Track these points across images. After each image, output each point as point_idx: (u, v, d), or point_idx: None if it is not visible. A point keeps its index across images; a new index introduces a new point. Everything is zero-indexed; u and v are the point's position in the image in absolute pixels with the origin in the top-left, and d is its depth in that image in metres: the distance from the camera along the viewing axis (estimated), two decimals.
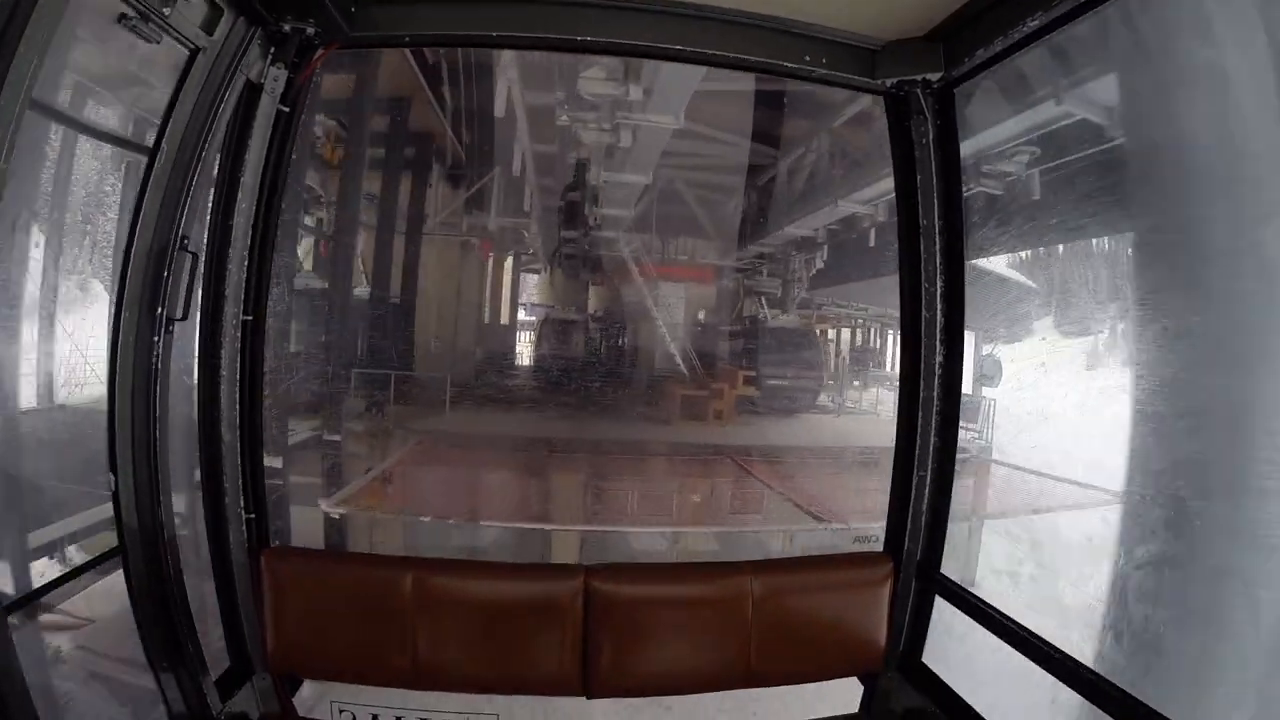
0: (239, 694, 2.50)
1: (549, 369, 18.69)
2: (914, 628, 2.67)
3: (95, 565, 2.27)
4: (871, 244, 16.30)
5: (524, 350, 20.95)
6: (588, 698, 2.50)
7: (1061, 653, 2.20)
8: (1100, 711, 2.00)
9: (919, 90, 2.51)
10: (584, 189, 17.18)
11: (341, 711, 2.70)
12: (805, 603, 2.59)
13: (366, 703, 2.73)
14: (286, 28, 2.32)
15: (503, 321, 21.52)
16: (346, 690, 2.69)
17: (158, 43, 2.05)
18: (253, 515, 2.54)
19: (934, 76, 2.49)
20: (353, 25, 2.37)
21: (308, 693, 2.66)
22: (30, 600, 2.20)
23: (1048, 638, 2.28)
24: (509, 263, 21.24)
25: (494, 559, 6.94)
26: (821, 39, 2.49)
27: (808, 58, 2.49)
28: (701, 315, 20.92)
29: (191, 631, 2.32)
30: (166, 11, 1.98)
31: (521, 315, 21.95)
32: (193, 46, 2.13)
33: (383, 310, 15.46)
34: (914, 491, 2.64)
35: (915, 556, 2.66)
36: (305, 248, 13.77)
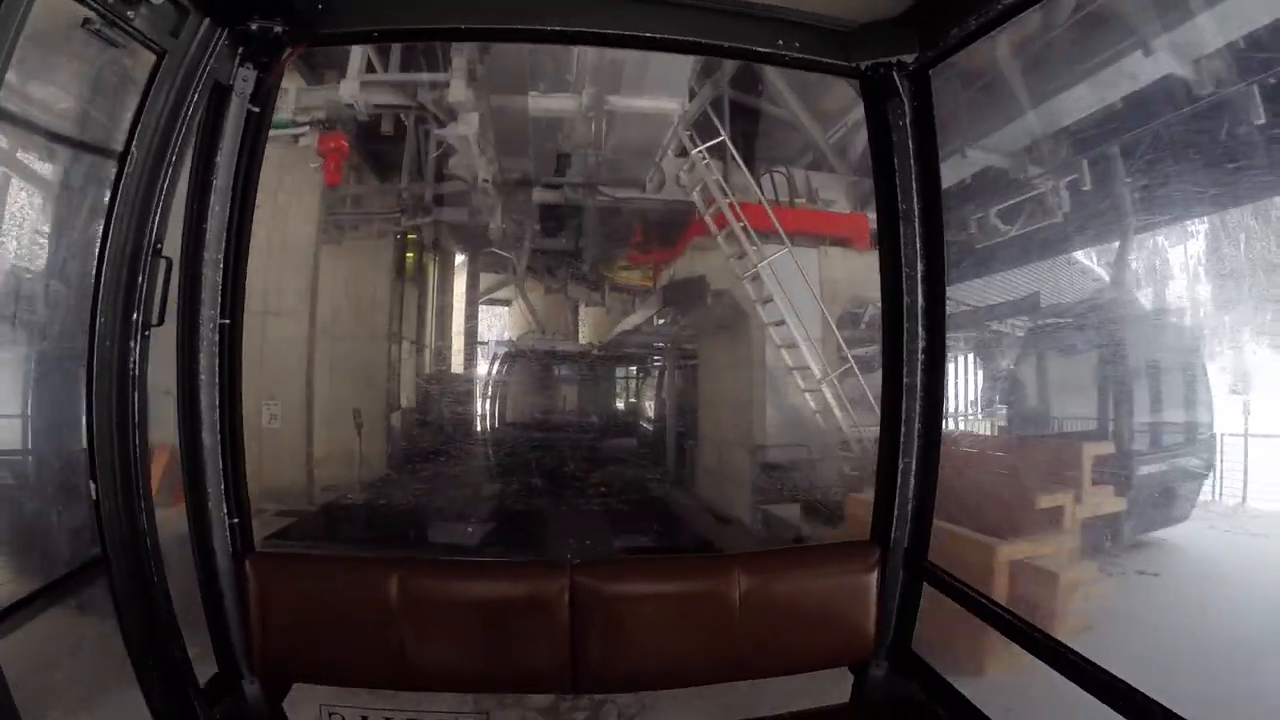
0: (227, 699, 2.50)
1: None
2: (902, 616, 2.65)
3: (78, 575, 2.27)
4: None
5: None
6: (576, 694, 2.50)
7: (1053, 639, 2.18)
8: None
9: (894, 72, 2.49)
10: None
11: (331, 715, 2.69)
12: (793, 593, 2.58)
13: (355, 704, 2.72)
14: (254, 26, 2.30)
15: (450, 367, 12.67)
16: (335, 693, 2.68)
17: (123, 47, 2.04)
18: (236, 520, 2.53)
19: (909, 58, 2.46)
20: (320, 22, 2.35)
21: (296, 696, 2.65)
22: (11, 613, 2.19)
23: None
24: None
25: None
26: (795, 22, 2.46)
27: (780, 41, 2.47)
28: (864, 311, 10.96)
29: (177, 638, 2.31)
30: (130, 15, 1.96)
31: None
32: (159, 49, 2.11)
33: None
34: (899, 479, 2.63)
35: (902, 544, 2.64)
36: None
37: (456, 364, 12.85)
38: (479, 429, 12.16)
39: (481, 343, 13.04)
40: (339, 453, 9.93)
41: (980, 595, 2.43)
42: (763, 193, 11.12)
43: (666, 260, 12.35)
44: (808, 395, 10.20)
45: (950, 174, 10.48)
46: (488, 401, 12.66)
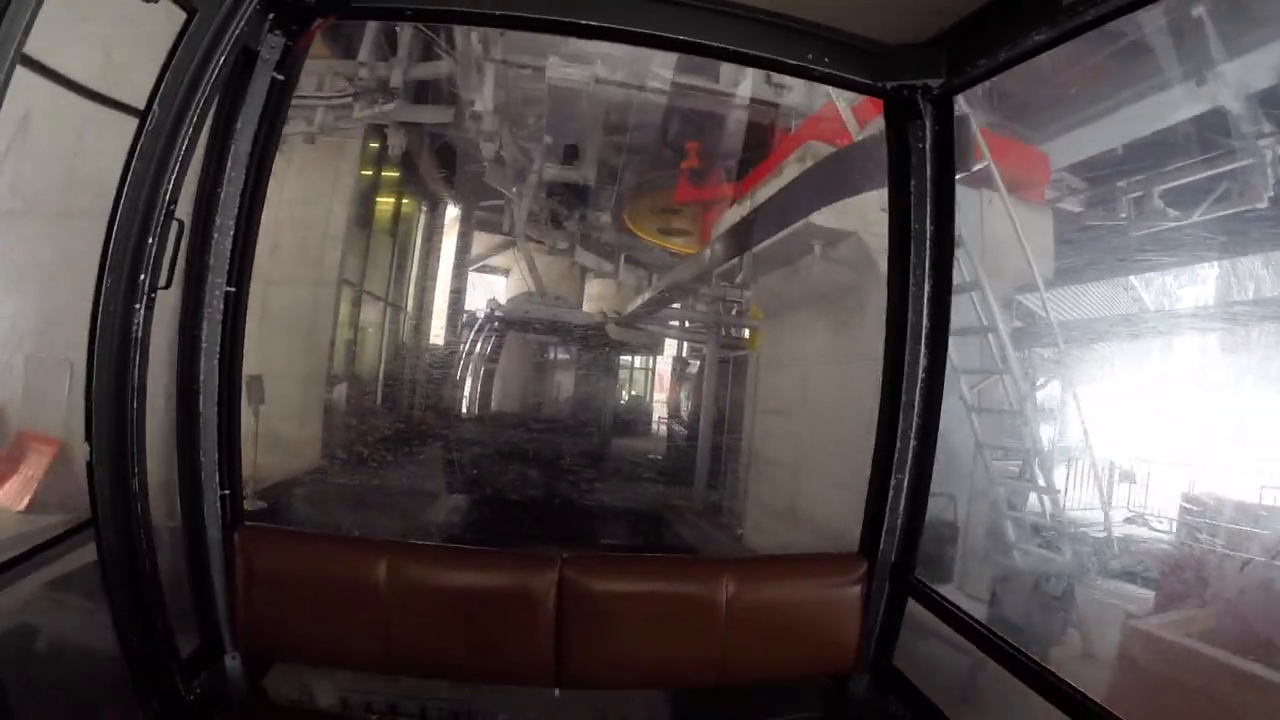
0: (208, 673, 2.46)
1: None
2: (885, 630, 2.70)
3: (67, 538, 2.23)
4: None
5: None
6: (559, 689, 2.50)
7: (1033, 659, 2.24)
8: None
9: (919, 95, 2.53)
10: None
11: (312, 695, 2.67)
12: (779, 601, 2.61)
13: (336, 686, 2.70)
14: None
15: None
16: (316, 673, 2.66)
17: (155, 1, 2.00)
18: (227, 491, 2.49)
19: (935, 83, 2.50)
20: None
21: (278, 674, 2.62)
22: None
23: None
24: None
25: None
26: (826, 38, 2.48)
27: (810, 56, 2.49)
28: None
29: (162, 608, 2.27)
30: None
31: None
32: (190, 8, 2.07)
33: None
34: (890, 495, 2.67)
35: (890, 559, 2.70)
36: None
37: (434, 331, 10.17)
38: (454, 415, 9.70)
39: (466, 312, 10.35)
40: (256, 435, 7.46)
41: (964, 614, 2.48)
42: None
43: (734, 195, 8.60)
44: (974, 416, 6.30)
45: (1137, 122, 7.88)
46: (466, 383, 9.94)
